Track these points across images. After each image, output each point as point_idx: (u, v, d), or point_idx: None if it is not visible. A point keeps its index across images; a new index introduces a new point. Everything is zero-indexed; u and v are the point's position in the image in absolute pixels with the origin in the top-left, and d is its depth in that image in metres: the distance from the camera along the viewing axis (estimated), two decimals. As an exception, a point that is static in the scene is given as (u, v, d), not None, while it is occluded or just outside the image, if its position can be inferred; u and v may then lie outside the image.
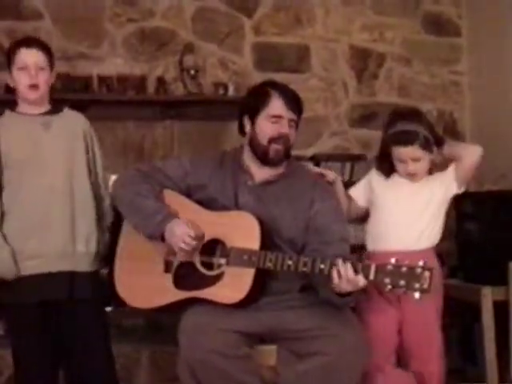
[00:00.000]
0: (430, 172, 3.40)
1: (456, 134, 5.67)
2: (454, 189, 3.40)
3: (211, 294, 3.00)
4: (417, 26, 5.61)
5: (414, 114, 3.40)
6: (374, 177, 3.44)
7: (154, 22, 5.28)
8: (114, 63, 5.19)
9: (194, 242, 3.02)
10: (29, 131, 3.31)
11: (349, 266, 2.81)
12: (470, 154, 3.37)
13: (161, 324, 4.88)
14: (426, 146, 3.31)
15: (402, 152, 3.30)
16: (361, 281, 2.79)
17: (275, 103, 3.19)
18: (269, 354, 3.15)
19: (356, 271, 2.80)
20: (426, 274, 2.71)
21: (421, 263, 2.76)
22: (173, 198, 3.19)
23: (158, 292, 3.10)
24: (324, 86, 5.48)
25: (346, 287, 2.83)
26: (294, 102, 3.21)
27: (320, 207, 3.16)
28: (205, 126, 5.27)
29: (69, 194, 3.29)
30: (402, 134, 3.32)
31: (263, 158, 3.19)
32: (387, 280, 2.75)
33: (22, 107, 3.37)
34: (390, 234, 3.29)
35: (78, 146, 3.36)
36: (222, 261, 3.04)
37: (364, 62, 5.54)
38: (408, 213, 3.30)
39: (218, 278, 3.02)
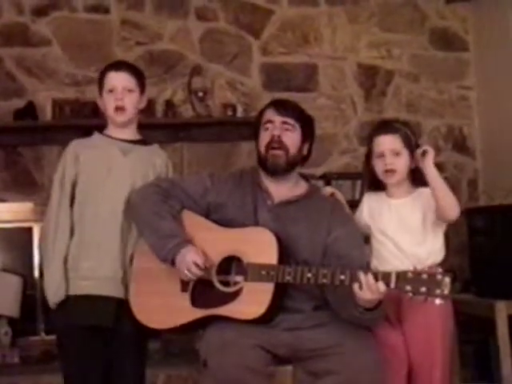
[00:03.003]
0: (413, 183, 3.33)
1: (466, 150, 5.68)
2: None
3: (230, 311, 2.97)
4: (424, 42, 5.64)
5: (397, 122, 3.40)
6: (367, 201, 3.39)
7: (161, 44, 5.33)
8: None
9: (199, 273, 3.01)
10: (106, 154, 3.33)
11: (369, 274, 2.80)
12: (451, 206, 3.15)
13: (176, 348, 4.88)
14: (406, 141, 3.22)
15: (381, 142, 3.22)
16: (381, 287, 2.77)
17: (267, 112, 3.23)
18: (285, 374, 3.13)
19: (376, 279, 2.78)
20: (447, 279, 2.70)
21: (440, 270, 2.74)
22: (190, 219, 3.18)
23: (176, 312, 3.07)
24: (332, 105, 5.51)
25: (368, 296, 2.80)
26: (285, 106, 3.22)
27: (340, 233, 3.15)
28: (214, 147, 5.29)
29: (126, 221, 3.29)
30: (383, 123, 3.34)
31: (266, 168, 3.19)
32: (408, 287, 2.74)
33: (110, 130, 3.40)
34: (390, 257, 3.24)
35: (149, 176, 3.36)
36: (239, 278, 3.03)
37: (372, 79, 5.57)
38: (402, 235, 3.24)
39: (237, 294, 2.99)
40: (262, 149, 3.19)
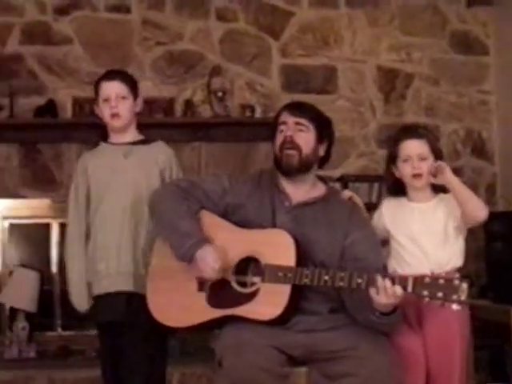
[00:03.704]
0: (434, 190, 3.35)
1: (484, 154, 5.66)
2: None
3: (247, 312, 2.98)
4: (444, 46, 5.63)
5: (419, 128, 3.42)
6: (386, 206, 3.40)
7: (182, 45, 5.35)
8: (142, 86, 5.17)
9: (216, 273, 3.03)
10: (110, 160, 3.50)
11: (387, 278, 2.80)
12: (478, 208, 3.18)
13: (191, 347, 4.90)
14: (432, 147, 3.26)
15: (408, 147, 3.25)
16: (398, 291, 2.78)
17: (281, 115, 3.26)
18: (299, 376, 3.14)
19: (393, 283, 2.79)
20: (464, 285, 2.70)
21: (458, 275, 2.75)
22: (208, 219, 3.20)
23: (192, 311, 3.09)
24: (351, 107, 5.51)
25: (384, 301, 2.81)
26: (299, 107, 3.26)
27: (357, 236, 3.16)
28: (232, 147, 5.30)
29: (136, 217, 3.45)
30: (407, 128, 3.38)
31: (281, 169, 3.21)
32: (425, 292, 2.74)
33: (111, 137, 3.57)
34: (411, 260, 3.25)
35: (152, 173, 3.49)
36: (256, 279, 3.04)
37: (391, 82, 5.56)
38: (423, 237, 3.25)
39: (253, 295, 3.00)
40: (277, 150, 3.22)
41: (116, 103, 3.45)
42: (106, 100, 3.46)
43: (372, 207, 3.50)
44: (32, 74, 5.20)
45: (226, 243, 3.10)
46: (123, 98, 3.47)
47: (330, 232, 3.16)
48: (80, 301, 3.46)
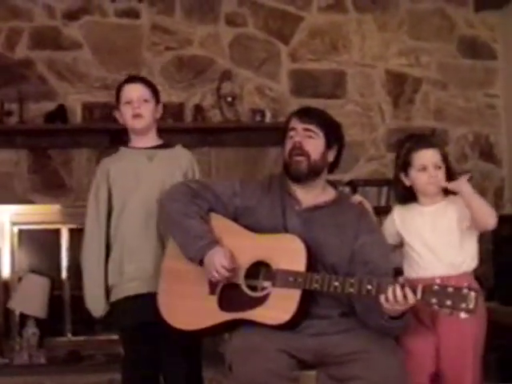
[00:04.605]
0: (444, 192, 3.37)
1: (493, 158, 5.67)
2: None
3: (257, 316, 2.98)
4: (452, 50, 5.65)
5: (430, 136, 3.44)
6: (397, 212, 3.41)
7: (191, 49, 5.37)
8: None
9: (227, 274, 3.04)
10: (133, 163, 3.49)
11: (397, 285, 2.81)
12: (488, 216, 3.19)
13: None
14: (444, 156, 3.31)
15: (424, 156, 3.27)
16: (409, 296, 2.79)
17: (291, 120, 3.26)
18: (309, 379, 3.14)
19: (403, 290, 2.80)
20: (473, 294, 2.71)
21: (466, 284, 2.76)
22: (218, 222, 3.20)
23: (203, 314, 3.09)
24: (360, 111, 5.52)
25: (395, 307, 2.82)
26: (308, 113, 3.25)
27: (366, 240, 3.16)
28: (242, 152, 5.31)
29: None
30: (423, 138, 3.39)
31: (290, 175, 3.22)
32: (434, 300, 2.74)
33: (132, 141, 3.56)
34: (425, 263, 3.26)
35: (176, 176, 3.49)
36: (266, 283, 3.04)
37: (400, 86, 5.58)
38: (436, 239, 3.26)
39: (264, 299, 3.00)
40: (286, 156, 3.23)
41: (139, 104, 3.45)
42: (128, 102, 3.46)
43: (381, 211, 3.52)
44: (41, 80, 5.22)
45: (236, 247, 3.10)
46: (146, 100, 3.47)
47: (340, 236, 3.16)
48: (96, 306, 3.46)
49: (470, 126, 5.67)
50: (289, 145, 3.22)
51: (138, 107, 3.45)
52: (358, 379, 2.93)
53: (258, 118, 5.24)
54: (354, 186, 5.21)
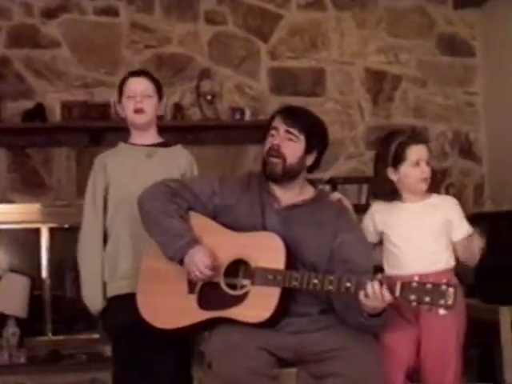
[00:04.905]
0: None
1: (472, 155, 5.69)
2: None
3: (236, 314, 2.99)
4: (431, 48, 5.67)
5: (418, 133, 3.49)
6: (376, 210, 3.41)
7: (170, 48, 5.36)
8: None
9: (209, 273, 3.04)
10: (131, 159, 3.47)
11: (375, 282, 2.82)
12: (472, 262, 3.39)
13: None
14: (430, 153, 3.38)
15: (419, 151, 3.28)
16: (386, 295, 2.80)
17: (275, 119, 3.24)
18: (288, 377, 3.14)
19: (382, 287, 2.81)
20: (451, 290, 2.72)
21: (445, 280, 2.79)
22: (198, 220, 3.20)
23: (183, 312, 3.09)
24: (340, 109, 5.53)
25: (373, 304, 2.83)
26: (293, 115, 3.22)
27: (345, 238, 3.17)
28: (222, 150, 5.31)
29: None
30: (414, 134, 3.41)
31: (265, 174, 3.21)
32: (413, 296, 2.76)
33: (132, 137, 3.53)
34: (406, 259, 3.27)
35: (173, 176, 3.44)
36: (245, 282, 3.04)
37: (379, 84, 5.59)
38: (420, 236, 3.28)
39: (243, 297, 3.01)
40: (264, 155, 3.22)
41: (141, 99, 3.42)
42: (131, 96, 3.43)
43: (361, 209, 3.50)
44: (19, 78, 5.18)
45: (216, 245, 3.11)
46: (149, 96, 3.44)
47: (319, 234, 3.17)
48: (94, 302, 3.41)
49: (450, 124, 5.69)
50: (267, 144, 3.21)
51: (140, 101, 3.41)
52: (337, 376, 2.94)
53: (237, 116, 5.23)
54: (333, 183, 5.21)
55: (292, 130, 3.18)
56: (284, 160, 3.17)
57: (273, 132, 3.21)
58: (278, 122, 3.21)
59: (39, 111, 5.07)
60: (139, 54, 5.31)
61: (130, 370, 3.37)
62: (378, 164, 3.37)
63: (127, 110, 3.45)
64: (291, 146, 3.18)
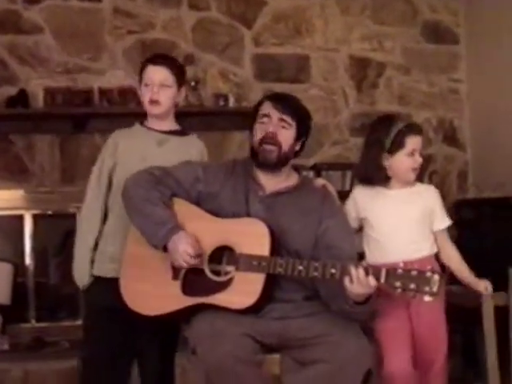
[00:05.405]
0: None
1: (456, 142, 5.72)
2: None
3: (221, 300, 2.98)
4: (416, 35, 5.69)
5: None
6: (359, 196, 3.41)
7: (153, 33, 5.33)
8: (114, 76, 5.22)
9: (193, 261, 3.03)
10: (142, 144, 3.40)
11: (360, 268, 2.82)
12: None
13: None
14: None
15: (416, 141, 3.32)
16: (372, 281, 2.80)
17: (264, 104, 3.21)
18: (272, 362, 3.15)
19: (367, 274, 2.81)
20: (436, 277, 2.73)
21: (429, 267, 2.80)
22: (181, 206, 3.18)
23: (167, 299, 3.08)
24: (324, 96, 5.54)
25: (358, 290, 2.83)
26: (284, 103, 3.20)
27: (330, 224, 3.16)
28: (205, 136, 5.23)
29: None
30: (414, 124, 3.45)
31: (257, 162, 3.19)
32: (398, 283, 2.76)
33: (148, 121, 3.46)
34: (389, 246, 3.29)
35: None
36: (230, 268, 3.04)
37: (364, 71, 5.60)
38: (403, 224, 3.30)
39: (228, 283, 3.00)
40: (256, 142, 3.19)
41: (158, 89, 3.33)
42: (147, 85, 3.35)
43: (345, 195, 3.50)
44: (2, 64, 5.14)
45: (200, 232, 3.10)
46: (166, 86, 3.35)
47: (304, 221, 3.16)
48: (82, 276, 3.36)
49: (434, 111, 5.71)
50: (261, 132, 3.18)
51: (156, 92, 3.32)
52: (321, 362, 2.95)
53: (221, 103, 5.23)
54: (317, 170, 5.22)
55: (285, 117, 3.17)
56: (280, 148, 3.16)
57: (264, 119, 3.18)
58: (270, 109, 3.18)
59: (22, 97, 5.04)
60: (122, 40, 5.28)
61: (103, 353, 3.35)
62: (373, 148, 3.35)
63: (144, 97, 3.37)
64: (285, 134, 3.17)
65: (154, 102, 3.35)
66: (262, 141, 3.16)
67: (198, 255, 3.04)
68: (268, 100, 3.23)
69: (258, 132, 3.19)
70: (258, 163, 3.20)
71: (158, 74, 3.34)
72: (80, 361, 3.47)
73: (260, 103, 3.25)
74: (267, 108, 3.19)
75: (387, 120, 3.40)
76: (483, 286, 3.44)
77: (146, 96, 3.36)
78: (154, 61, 3.39)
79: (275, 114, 3.17)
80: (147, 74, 3.36)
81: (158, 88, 3.33)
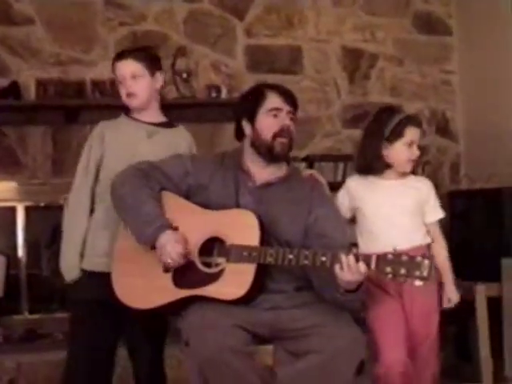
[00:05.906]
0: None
1: (449, 133, 5.72)
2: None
3: (212, 292, 2.99)
4: (408, 26, 5.68)
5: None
6: (352, 186, 3.43)
7: (145, 25, 5.31)
8: (106, 67, 5.14)
9: (181, 261, 3.03)
10: (131, 136, 3.40)
11: (350, 255, 2.83)
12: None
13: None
14: None
15: (414, 133, 3.35)
16: (362, 267, 2.81)
17: (272, 98, 3.20)
18: (265, 353, 3.16)
19: (357, 260, 2.82)
20: (426, 262, 2.74)
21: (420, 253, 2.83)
22: (170, 200, 3.19)
23: (158, 292, 3.08)
24: (316, 87, 5.53)
25: (349, 277, 2.83)
26: (289, 95, 3.23)
27: (320, 213, 3.18)
28: (198, 128, 5.25)
29: None
30: (415, 117, 3.48)
31: (269, 155, 3.19)
32: (388, 269, 2.77)
33: (135, 113, 3.46)
34: (381, 236, 3.30)
35: None
36: (220, 259, 3.04)
37: (356, 62, 5.59)
38: (397, 214, 3.32)
39: (219, 275, 3.01)
40: (269, 136, 3.18)
41: (130, 83, 3.36)
42: (121, 81, 3.38)
43: (337, 186, 3.52)
44: (-6, 55, 5.14)
45: (189, 225, 3.10)
46: (139, 76, 3.38)
47: (293, 211, 3.18)
48: (70, 270, 3.36)
49: (426, 102, 5.71)
50: (274, 126, 3.18)
51: (129, 86, 3.36)
52: (313, 353, 2.96)
53: (213, 94, 5.22)
54: (310, 161, 5.22)
55: (293, 109, 3.22)
56: (291, 139, 3.21)
57: (275, 112, 3.19)
58: (279, 102, 3.19)
59: (14, 89, 5.02)
60: (114, 32, 5.26)
61: (90, 348, 3.35)
62: (372, 137, 3.38)
63: (122, 94, 3.40)
64: (293, 126, 3.23)
65: (129, 94, 3.38)
66: (278, 134, 3.17)
67: (186, 254, 3.05)
68: (273, 92, 3.23)
69: (271, 126, 3.19)
70: (271, 157, 3.20)
71: (126, 68, 3.38)
72: (68, 353, 3.44)
73: (262, 95, 3.23)
74: (276, 102, 3.20)
75: (388, 110, 3.43)
76: (447, 298, 3.44)
77: (122, 93, 3.40)
78: (119, 57, 3.44)
79: (286, 108, 3.19)
80: (117, 71, 3.40)
81: (131, 81, 3.36)
